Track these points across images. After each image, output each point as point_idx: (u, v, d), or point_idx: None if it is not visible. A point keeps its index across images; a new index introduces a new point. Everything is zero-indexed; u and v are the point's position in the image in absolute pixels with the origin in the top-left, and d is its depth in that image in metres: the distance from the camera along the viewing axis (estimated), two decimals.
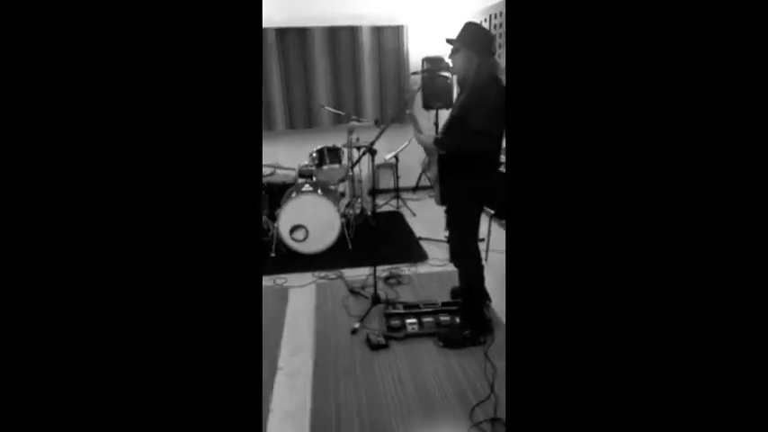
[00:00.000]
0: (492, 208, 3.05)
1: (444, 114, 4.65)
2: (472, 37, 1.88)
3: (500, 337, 2.23)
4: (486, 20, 3.87)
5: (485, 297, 2.32)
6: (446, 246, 3.40)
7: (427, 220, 4.14)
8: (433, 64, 4.19)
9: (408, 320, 2.29)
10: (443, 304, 2.45)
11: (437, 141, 1.95)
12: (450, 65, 2.01)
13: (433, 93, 4.19)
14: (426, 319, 2.29)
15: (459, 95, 2.01)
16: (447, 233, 2.33)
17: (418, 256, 3.30)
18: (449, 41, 1.97)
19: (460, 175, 1.95)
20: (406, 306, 2.44)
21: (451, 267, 3.12)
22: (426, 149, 2.08)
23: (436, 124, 4.47)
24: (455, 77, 2.02)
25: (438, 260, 3.23)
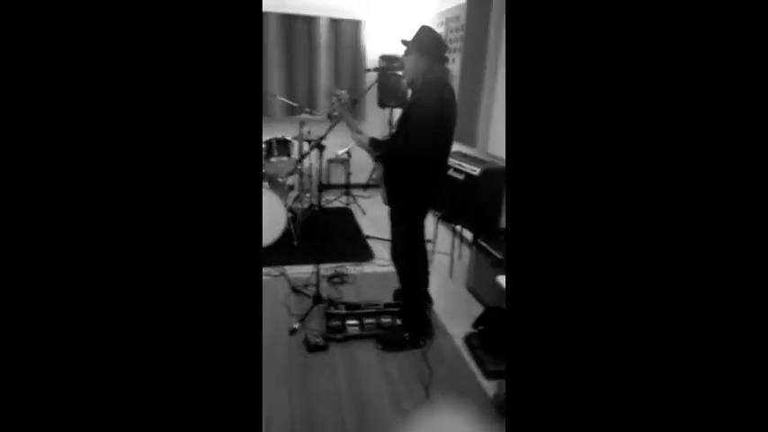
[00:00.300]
0: (438, 210, 3.08)
1: (398, 113, 4.67)
2: (425, 41, 1.88)
3: (440, 339, 2.26)
4: (442, 23, 3.90)
5: (426, 299, 2.34)
6: None
7: (376, 218, 4.13)
8: (388, 62, 4.17)
9: (349, 321, 2.26)
10: (386, 305, 2.45)
11: (372, 143, 1.96)
12: (401, 65, 2.00)
13: (388, 91, 4.18)
14: (368, 321, 2.27)
15: (410, 97, 2.00)
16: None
17: (365, 254, 3.28)
18: (403, 42, 1.95)
19: (403, 176, 1.95)
20: (348, 306, 2.41)
21: None
22: (365, 150, 2.06)
23: (390, 122, 4.46)
24: (403, 78, 2.00)
25: (384, 260, 3.22)
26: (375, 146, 1.97)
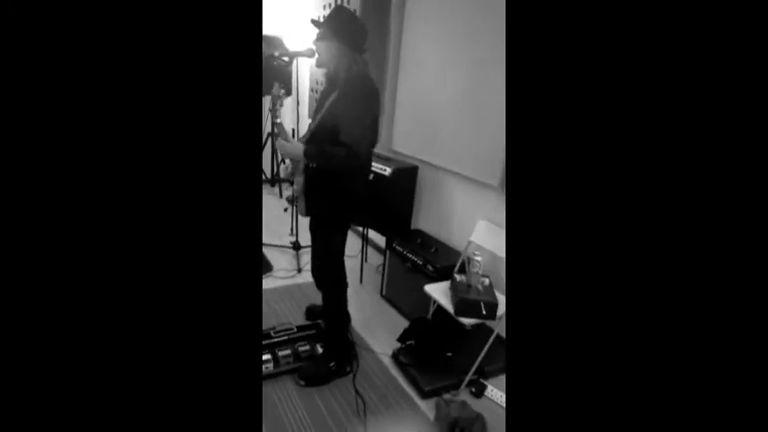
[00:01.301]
0: (360, 224, 2.84)
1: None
2: (345, 27, 1.58)
3: (365, 360, 2.05)
4: (331, 5, 3.59)
5: (347, 319, 2.10)
6: (292, 252, 3.06)
7: (270, 219, 3.68)
8: (270, 45, 3.71)
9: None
10: (299, 328, 2.14)
11: (307, 154, 1.61)
12: (314, 52, 1.67)
13: (269, 78, 3.73)
14: (282, 353, 1.93)
15: (325, 92, 1.69)
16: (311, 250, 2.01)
17: (262, 266, 2.87)
18: (315, 24, 1.63)
19: (331, 187, 1.66)
20: None
21: (301, 278, 2.82)
22: (293, 159, 1.71)
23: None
24: (317, 67, 1.68)
25: (285, 270, 2.87)
26: (315, 156, 1.60)
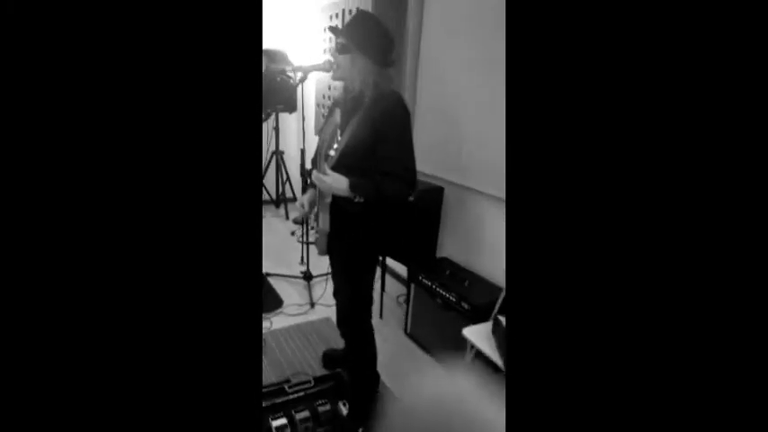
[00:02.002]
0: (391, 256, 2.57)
1: (286, 118, 4.01)
2: (370, 37, 1.33)
3: (389, 409, 1.76)
4: (338, 14, 3.37)
5: (377, 375, 1.81)
6: (303, 283, 2.79)
7: (277, 246, 3.41)
8: (273, 60, 3.50)
9: (275, 423, 1.61)
10: (317, 380, 1.86)
11: (356, 188, 1.33)
12: (333, 64, 1.42)
13: (274, 93, 3.53)
14: (300, 415, 1.65)
15: (347, 111, 1.43)
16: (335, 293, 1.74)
17: (271, 302, 2.60)
18: (334, 32, 1.39)
19: (365, 224, 1.41)
20: (268, 394, 1.76)
21: (314, 314, 2.54)
22: (321, 195, 1.45)
23: (277, 130, 3.80)
24: (336, 82, 1.44)
25: (296, 305, 2.59)
26: (368, 191, 1.33)
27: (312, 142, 4.10)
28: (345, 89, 1.43)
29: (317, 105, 3.87)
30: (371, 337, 1.63)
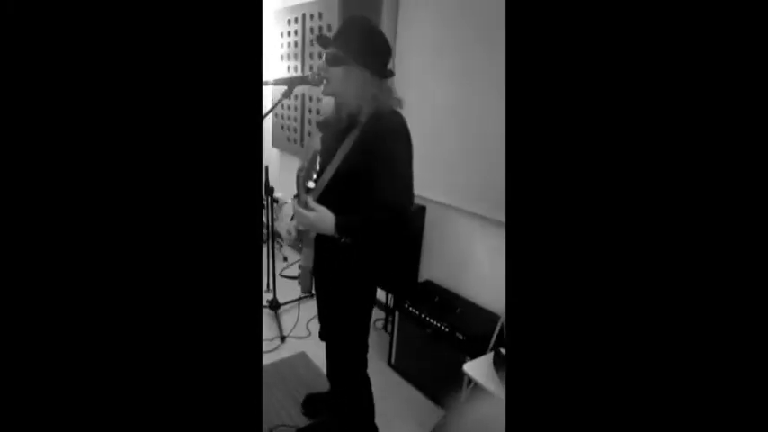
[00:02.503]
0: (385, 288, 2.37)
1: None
2: (365, 46, 1.15)
3: None
4: (297, 19, 3.14)
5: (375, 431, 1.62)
6: (270, 313, 2.52)
7: None
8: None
9: None
10: None
11: (342, 229, 1.13)
12: (321, 78, 1.22)
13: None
14: None
15: (337, 131, 1.24)
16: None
17: None
18: (322, 42, 1.19)
19: (361, 254, 1.23)
20: None
21: (285, 349, 2.29)
22: (306, 228, 1.23)
23: None
24: (326, 98, 1.25)
25: (265, 341, 2.33)
26: (354, 231, 1.16)
27: (270, 155, 3.83)
28: (338, 107, 1.23)
29: (276, 115, 3.61)
30: (368, 389, 1.44)
